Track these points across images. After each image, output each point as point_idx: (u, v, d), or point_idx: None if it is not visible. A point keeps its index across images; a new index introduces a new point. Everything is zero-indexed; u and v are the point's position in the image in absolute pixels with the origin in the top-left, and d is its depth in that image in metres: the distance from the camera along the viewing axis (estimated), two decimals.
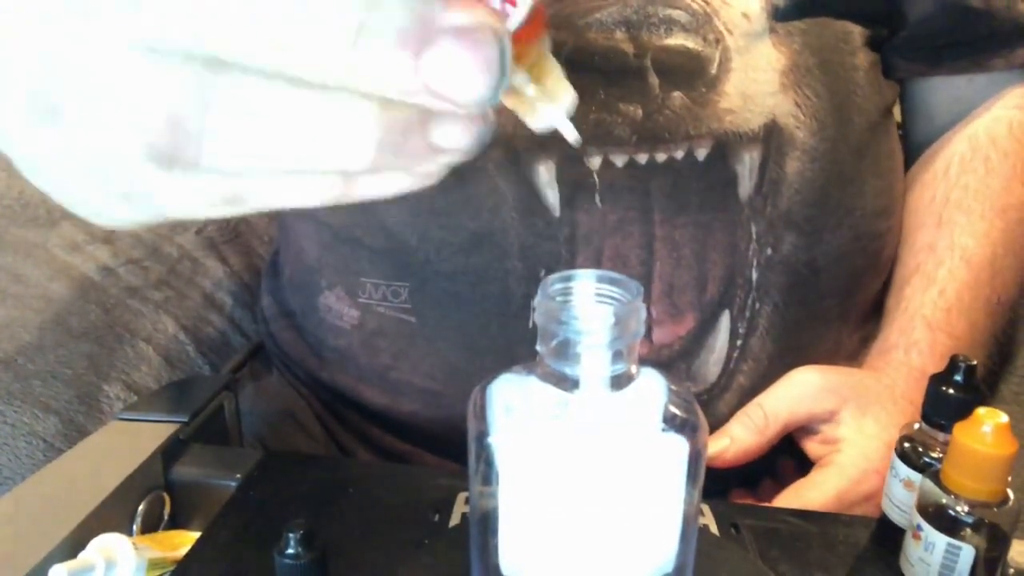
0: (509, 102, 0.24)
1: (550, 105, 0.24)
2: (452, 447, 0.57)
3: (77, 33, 0.19)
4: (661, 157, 0.50)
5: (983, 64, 0.60)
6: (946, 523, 0.35)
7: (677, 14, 0.50)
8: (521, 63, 0.23)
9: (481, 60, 0.19)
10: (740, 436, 0.52)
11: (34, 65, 0.20)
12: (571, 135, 0.26)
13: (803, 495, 0.50)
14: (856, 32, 0.55)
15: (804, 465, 0.55)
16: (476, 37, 0.19)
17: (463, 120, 0.21)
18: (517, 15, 0.22)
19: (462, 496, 0.43)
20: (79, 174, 0.23)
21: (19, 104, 0.21)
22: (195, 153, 0.20)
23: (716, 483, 0.55)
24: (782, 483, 0.54)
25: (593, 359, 0.26)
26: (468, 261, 0.52)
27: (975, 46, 0.59)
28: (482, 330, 0.53)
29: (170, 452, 0.46)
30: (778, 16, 0.52)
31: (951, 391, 0.39)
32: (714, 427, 0.54)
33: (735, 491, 0.58)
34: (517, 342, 0.52)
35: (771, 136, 0.51)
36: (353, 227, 0.56)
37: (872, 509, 0.49)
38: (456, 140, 0.21)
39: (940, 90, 0.63)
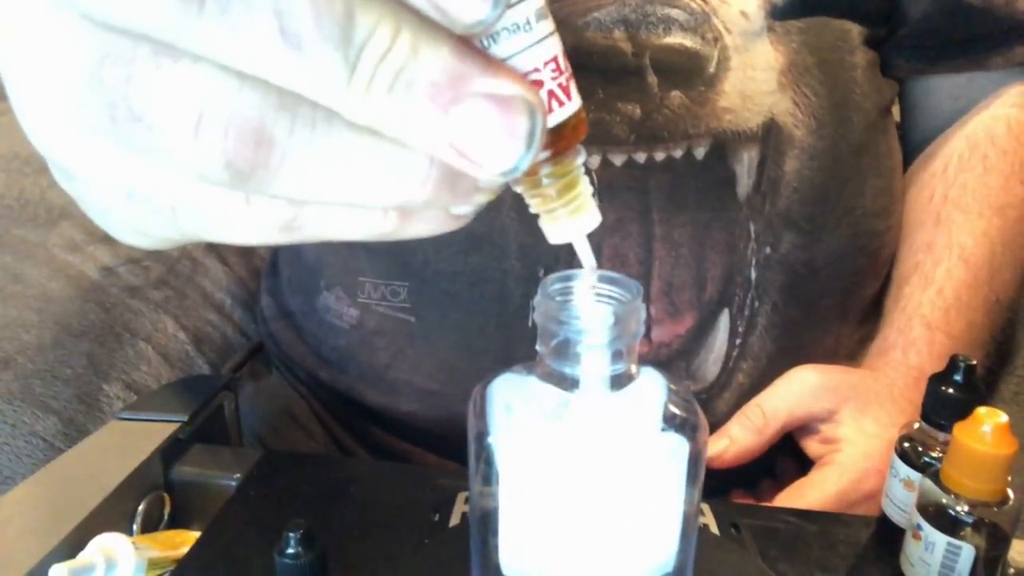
0: (535, 204, 0.24)
1: (571, 219, 0.24)
2: (451, 447, 0.57)
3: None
4: (660, 156, 0.50)
5: (982, 62, 0.60)
6: (946, 523, 0.35)
7: (675, 13, 0.50)
8: (554, 168, 0.23)
9: (510, 128, 0.19)
10: (739, 437, 0.52)
11: (111, 70, 0.18)
12: (587, 258, 0.26)
13: (804, 494, 0.50)
14: (854, 31, 0.56)
15: (804, 465, 0.55)
16: (509, 104, 0.19)
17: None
18: (561, 113, 0.22)
19: (462, 496, 0.43)
20: (128, 187, 0.22)
21: (82, 110, 0.19)
22: (271, 176, 0.19)
23: (716, 483, 0.56)
24: (782, 483, 0.54)
25: (593, 359, 0.26)
26: (467, 261, 0.52)
27: (974, 44, 0.59)
28: (481, 330, 0.53)
29: (170, 452, 0.46)
30: (776, 15, 0.52)
31: (951, 391, 0.39)
32: (713, 426, 0.54)
33: (735, 492, 0.58)
34: (516, 342, 0.52)
35: (770, 135, 0.51)
36: None
37: (873, 508, 0.50)
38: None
39: (939, 88, 0.63)
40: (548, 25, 0.21)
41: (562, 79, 0.21)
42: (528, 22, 0.20)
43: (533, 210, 0.24)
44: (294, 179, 0.19)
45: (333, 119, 0.19)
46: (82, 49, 0.18)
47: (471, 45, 0.19)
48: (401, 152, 0.19)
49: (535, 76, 0.21)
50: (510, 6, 0.20)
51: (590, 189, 0.24)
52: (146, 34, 0.17)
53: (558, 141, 0.22)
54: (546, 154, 0.22)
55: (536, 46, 0.21)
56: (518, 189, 0.24)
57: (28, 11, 0.19)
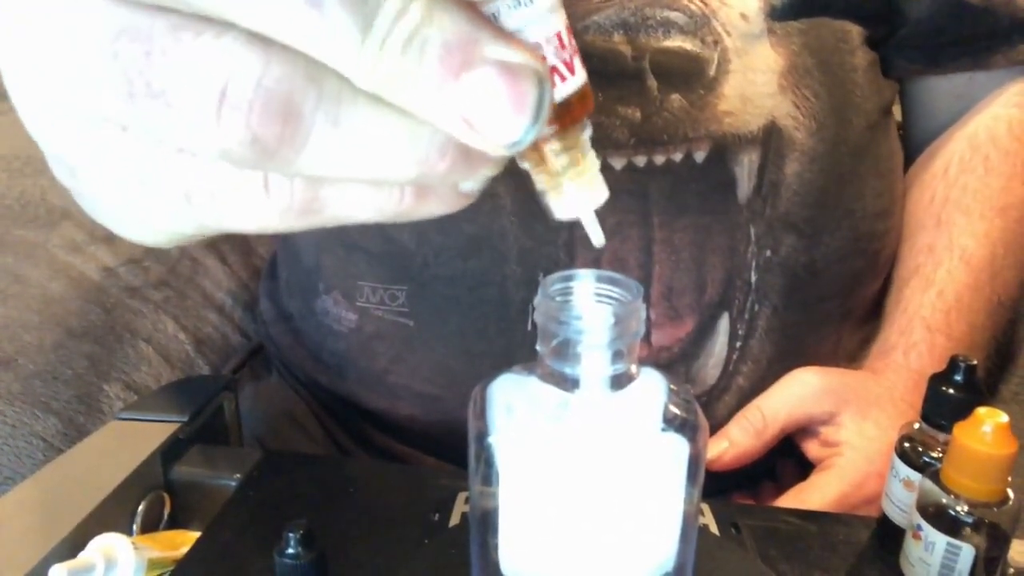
0: (541, 180, 0.24)
1: (579, 194, 0.24)
2: (451, 450, 0.57)
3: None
4: (659, 160, 0.50)
5: (983, 61, 0.60)
6: (946, 523, 0.35)
7: (675, 16, 0.50)
8: (560, 142, 0.23)
9: (517, 98, 0.18)
10: (738, 439, 0.52)
11: (127, 45, 0.18)
12: (595, 234, 0.26)
13: (805, 498, 0.50)
14: (855, 31, 0.55)
15: (805, 467, 0.55)
16: (518, 74, 0.18)
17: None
18: (564, 89, 0.22)
19: (462, 496, 0.43)
20: (140, 174, 0.21)
21: (96, 88, 0.18)
22: (296, 152, 0.19)
23: (717, 485, 0.56)
24: (783, 485, 0.54)
25: (593, 359, 0.26)
26: (466, 265, 0.52)
27: (975, 43, 0.59)
28: (480, 334, 0.53)
29: (170, 452, 0.46)
30: (776, 15, 0.52)
31: (951, 391, 0.39)
32: (713, 430, 0.54)
33: (736, 494, 0.58)
34: (515, 346, 0.52)
35: (770, 138, 0.51)
36: (351, 230, 0.56)
37: (874, 512, 0.50)
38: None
39: (940, 88, 0.63)
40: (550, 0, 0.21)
41: (565, 54, 0.21)
42: None
43: (539, 186, 0.24)
44: (319, 155, 0.19)
45: (357, 92, 0.19)
46: (94, 23, 0.18)
47: (481, 12, 0.19)
48: (422, 124, 0.19)
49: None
50: None
51: (597, 164, 0.24)
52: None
53: (563, 116, 0.22)
54: (552, 129, 0.22)
55: (538, 21, 0.20)
56: (524, 165, 0.24)
57: None
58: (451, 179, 0.21)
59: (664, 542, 0.27)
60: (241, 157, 0.19)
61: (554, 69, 0.21)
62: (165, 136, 0.19)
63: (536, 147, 0.23)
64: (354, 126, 0.19)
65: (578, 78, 0.22)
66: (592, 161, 0.24)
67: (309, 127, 0.18)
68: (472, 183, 0.22)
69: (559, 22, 0.21)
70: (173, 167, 0.20)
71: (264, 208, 0.21)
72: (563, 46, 0.21)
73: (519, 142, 0.19)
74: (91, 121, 0.20)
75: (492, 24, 0.19)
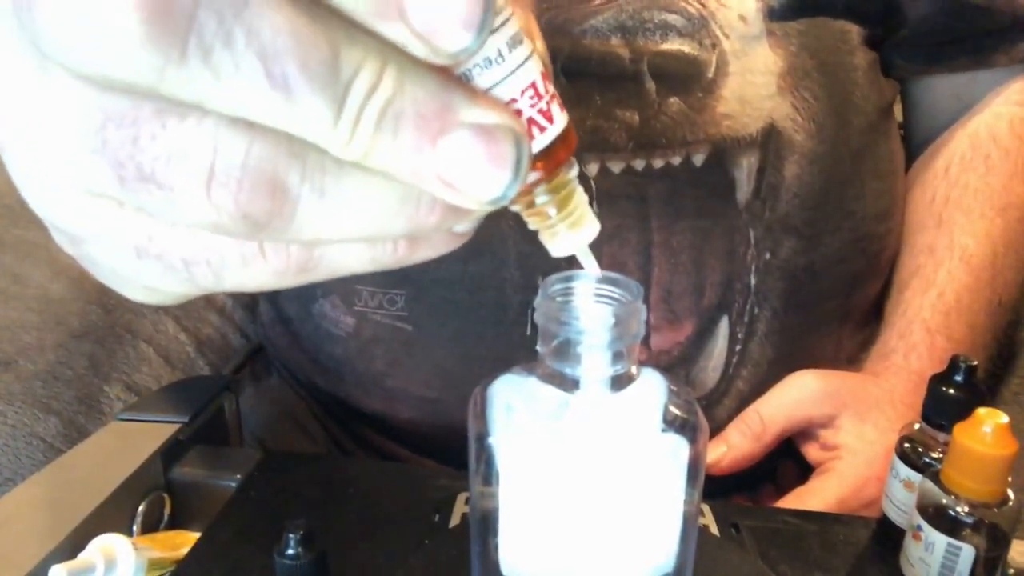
0: (533, 222, 0.24)
1: (571, 232, 0.24)
2: (450, 454, 0.57)
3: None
4: (658, 163, 0.50)
5: (984, 61, 0.60)
6: (946, 523, 0.35)
7: (673, 19, 0.50)
8: (547, 185, 0.23)
9: (496, 157, 0.19)
10: (737, 443, 0.52)
11: (114, 132, 0.18)
12: (591, 267, 0.26)
13: (804, 502, 0.50)
14: (854, 31, 0.55)
15: (805, 469, 0.55)
16: (495, 135, 0.19)
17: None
18: (543, 139, 0.21)
19: (462, 496, 0.43)
20: (137, 245, 0.21)
21: (88, 174, 0.19)
22: (286, 223, 0.19)
23: (717, 488, 0.55)
24: (783, 488, 0.54)
25: (593, 359, 0.26)
26: (465, 269, 0.52)
27: (975, 42, 0.59)
28: (479, 338, 0.53)
29: (170, 452, 0.46)
30: (774, 16, 0.52)
31: (951, 391, 0.39)
32: (713, 433, 0.54)
33: (736, 496, 0.58)
34: (514, 350, 0.52)
35: (769, 140, 0.51)
36: None
37: (873, 514, 0.50)
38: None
39: (940, 88, 0.63)
40: (522, 51, 0.20)
41: (542, 104, 0.21)
42: (500, 54, 0.20)
43: (532, 227, 0.24)
44: (309, 223, 0.19)
45: (341, 162, 0.19)
46: (81, 112, 0.18)
47: (453, 76, 0.19)
48: (407, 185, 0.20)
49: (513, 107, 0.21)
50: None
51: (586, 199, 0.24)
52: (133, 85, 0.17)
53: (547, 161, 0.22)
54: (537, 175, 0.22)
55: (510, 77, 0.20)
56: (515, 208, 0.24)
57: (19, 78, 0.19)
58: (443, 228, 0.21)
59: (664, 543, 0.27)
60: (233, 231, 0.19)
61: (531, 121, 0.21)
62: (158, 214, 0.20)
63: (524, 192, 0.23)
64: (340, 194, 0.19)
65: (557, 125, 0.22)
66: (581, 197, 0.24)
67: (296, 199, 0.19)
68: (465, 225, 0.22)
69: (533, 71, 0.21)
70: (169, 238, 0.21)
71: (261, 271, 0.22)
72: (539, 95, 0.21)
73: (501, 198, 0.19)
74: (87, 197, 0.20)
75: (465, 85, 0.19)
